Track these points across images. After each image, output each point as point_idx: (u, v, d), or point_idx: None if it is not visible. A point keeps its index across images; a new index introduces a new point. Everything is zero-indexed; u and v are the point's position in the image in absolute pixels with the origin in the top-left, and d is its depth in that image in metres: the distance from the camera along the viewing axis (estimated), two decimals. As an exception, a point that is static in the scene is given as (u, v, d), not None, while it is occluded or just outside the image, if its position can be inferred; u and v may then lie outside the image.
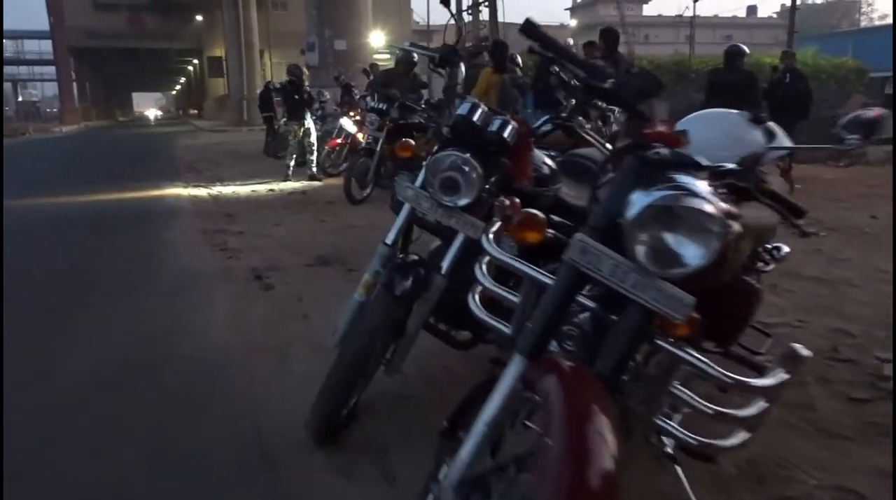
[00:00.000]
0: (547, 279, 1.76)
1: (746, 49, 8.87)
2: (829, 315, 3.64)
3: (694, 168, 1.50)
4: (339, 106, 12.82)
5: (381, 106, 7.95)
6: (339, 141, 10.85)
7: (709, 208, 1.40)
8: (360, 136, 10.74)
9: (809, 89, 8.82)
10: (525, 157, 2.50)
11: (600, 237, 1.53)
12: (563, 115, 2.52)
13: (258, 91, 16.94)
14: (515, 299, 1.88)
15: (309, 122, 10.65)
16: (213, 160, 14.62)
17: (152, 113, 77.85)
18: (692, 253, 1.46)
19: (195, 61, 49.50)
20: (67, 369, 3.28)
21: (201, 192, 9.80)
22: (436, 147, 2.54)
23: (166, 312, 4.13)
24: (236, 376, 3.19)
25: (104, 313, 4.13)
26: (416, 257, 2.51)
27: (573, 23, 44.82)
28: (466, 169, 2.35)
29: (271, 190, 9.79)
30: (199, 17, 40.05)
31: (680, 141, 1.60)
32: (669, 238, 1.46)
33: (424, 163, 2.53)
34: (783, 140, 2.11)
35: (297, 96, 10.47)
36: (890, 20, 41.36)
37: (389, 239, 2.57)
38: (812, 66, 16.77)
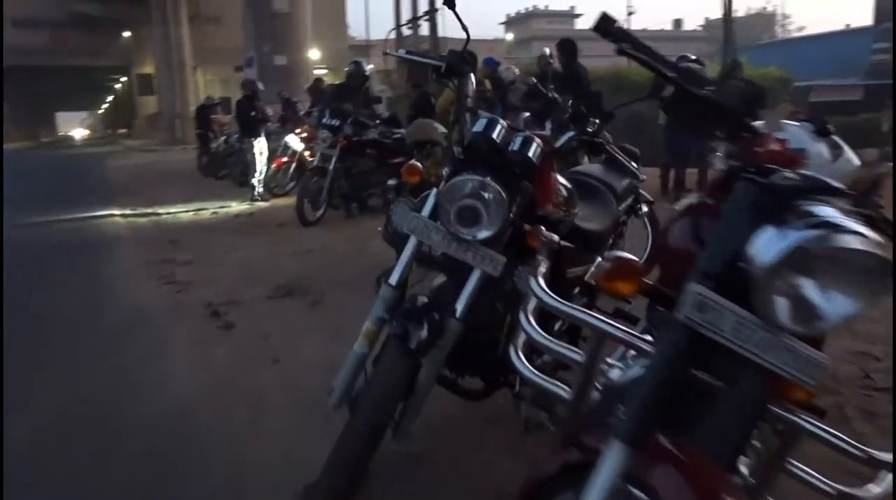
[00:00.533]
0: (621, 333, 1.43)
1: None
2: (845, 336, 3.43)
3: (830, 194, 1.19)
4: (280, 122, 12.31)
5: (333, 122, 7.56)
6: (284, 159, 10.36)
7: (875, 250, 1.09)
8: (307, 154, 10.32)
9: (764, 97, 8.83)
10: (549, 179, 2.17)
11: (714, 287, 1.20)
12: (590, 130, 2.22)
13: (192, 108, 16.17)
14: (577, 358, 1.54)
15: (263, 139, 10.10)
16: (148, 182, 13.85)
17: (78, 133, 74.70)
18: (841, 305, 1.14)
19: (123, 79, 47.69)
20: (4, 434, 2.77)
21: (139, 216, 9.16)
22: (446, 170, 2.19)
23: (115, 361, 3.63)
24: (208, 435, 2.74)
25: (41, 366, 3.59)
26: (425, 300, 2.14)
27: (509, 36, 45.24)
28: (488, 196, 2.00)
29: (215, 213, 9.22)
30: (126, 34, 38.59)
31: (797, 161, 1.29)
32: (814, 288, 1.14)
33: (436, 189, 2.18)
34: (850, 154, 1.83)
35: (252, 112, 9.92)
36: (807, 32, 43.15)
37: (393, 279, 2.19)
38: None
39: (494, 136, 2.07)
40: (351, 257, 5.87)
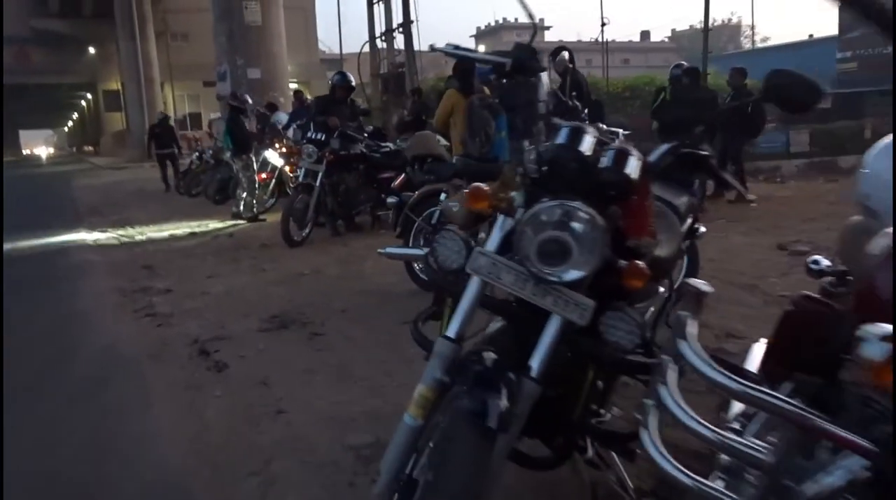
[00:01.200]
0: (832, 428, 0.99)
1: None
2: None
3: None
4: (257, 137, 11.78)
5: (319, 136, 7.07)
6: (264, 176, 9.83)
7: None
8: (287, 169, 9.81)
9: (762, 108, 8.55)
10: (645, 202, 1.72)
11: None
12: (687, 141, 1.78)
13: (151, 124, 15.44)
14: (764, 458, 1.10)
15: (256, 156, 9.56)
16: (118, 202, 13.17)
17: (43, 151, 72.83)
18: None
19: (89, 96, 46.51)
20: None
21: (110, 239, 8.54)
22: (515, 194, 1.73)
23: (88, 415, 3.09)
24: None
25: (6, 424, 3.04)
26: (493, 356, 1.68)
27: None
28: (580, 226, 1.55)
29: (192, 233, 8.65)
30: (91, 50, 37.61)
31: None
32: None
33: (503, 217, 1.73)
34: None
35: (240, 128, 9.40)
36: (771, 42, 43.65)
37: (452, 331, 1.71)
38: (714, 86, 17.02)
39: (583, 148, 1.62)
40: (346, 282, 5.37)
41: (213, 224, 9.33)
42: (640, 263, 1.61)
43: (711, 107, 8.25)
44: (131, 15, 28.18)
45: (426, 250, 4.24)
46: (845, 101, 24.57)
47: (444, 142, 4.97)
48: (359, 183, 7.42)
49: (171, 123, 16.21)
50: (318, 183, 7.03)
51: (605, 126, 4.10)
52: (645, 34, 55.03)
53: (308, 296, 4.95)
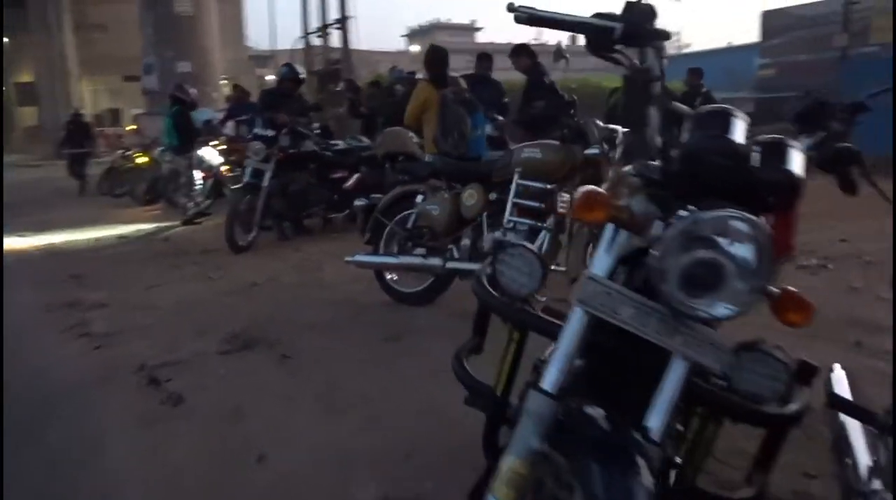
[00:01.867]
0: None
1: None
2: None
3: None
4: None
5: (267, 133, 6.48)
6: (202, 175, 9.12)
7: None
8: (225, 169, 9.14)
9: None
10: (794, 212, 1.33)
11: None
12: (838, 131, 1.41)
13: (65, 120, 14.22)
14: None
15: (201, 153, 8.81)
16: (36, 202, 12.06)
17: (-54, 148, 67.95)
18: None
19: (-3, 89, 43.54)
20: None
21: (28, 244, 7.69)
22: (632, 201, 1.31)
23: (14, 471, 2.51)
24: None
25: None
26: (602, 413, 1.27)
27: (415, 48, 44.50)
28: (743, 245, 1.15)
29: (122, 238, 7.88)
30: (5, 40, 35.12)
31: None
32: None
33: (612, 227, 1.30)
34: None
35: (186, 123, 8.63)
36: (694, 49, 44.88)
37: (548, 384, 1.28)
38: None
39: (735, 138, 1.22)
40: (307, 291, 4.85)
41: (144, 227, 8.57)
42: (798, 292, 1.23)
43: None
44: (45, 3, 26.36)
45: (408, 257, 3.77)
46: (768, 105, 25.33)
47: (416, 139, 4.53)
48: (309, 183, 6.87)
49: (87, 119, 15.07)
50: (265, 183, 6.45)
51: (601, 123, 3.76)
52: (574, 37, 55.75)
53: (268, 309, 4.41)
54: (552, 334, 1.45)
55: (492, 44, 48.28)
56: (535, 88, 6.37)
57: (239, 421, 2.79)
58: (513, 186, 3.68)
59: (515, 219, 3.68)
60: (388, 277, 4.36)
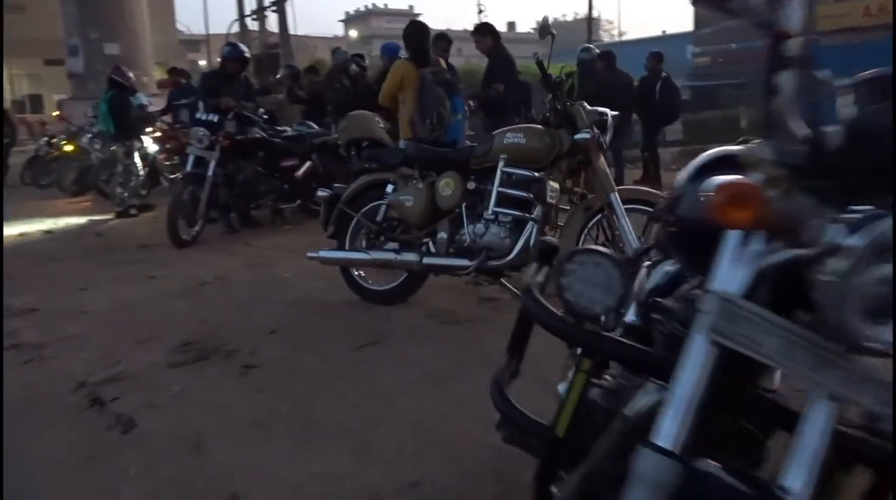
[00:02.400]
0: None
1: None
2: None
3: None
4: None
5: (211, 118, 5.97)
6: (134, 164, 8.47)
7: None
8: (161, 157, 8.54)
9: (678, 92, 8.35)
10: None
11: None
12: None
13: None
14: None
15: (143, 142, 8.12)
16: (-51, 194, 11.07)
17: None
18: None
19: None
20: None
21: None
22: (778, 194, 0.99)
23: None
24: None
25: None
26: (732, 473, 0.96)
27: (353, 33, 43.61)
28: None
29: (49, 232, 7.20)
30: None
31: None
32: None
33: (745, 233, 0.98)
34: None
35: (125, 108, 7.91)
36: (628, 37, 45.53)
37: (667, 439, 0.96)
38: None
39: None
40: (263, 291, 4.42)
41: (74, 221, 7.88)
42: None
43: (628, 92, 7.95)
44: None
45: (380, 252, 3.40)
46: (702, 93, 25.80)
47: (383, 124, 4.14)
48: (258, 172, 6.39)
49: (6, 106, 14.00)
50: (210, 172, 5.94)
51: (588, 106, 3.47)
52: (511, 25, 55.72)
53: (222, 312, 3.97)
54: (643, 365, 1.13)
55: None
56: (497, 71, 6.04)
57: (202, 452, 2.38)
58: (497, 174, 3.36)
59: (500, 210, 3.35)
60: (356, 273, 3.98)
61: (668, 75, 8.53)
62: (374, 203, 3.90)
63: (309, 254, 3.95)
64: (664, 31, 38.64)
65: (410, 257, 3.60)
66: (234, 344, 3.39)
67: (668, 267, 1.36)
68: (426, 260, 3.56)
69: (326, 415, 2.62)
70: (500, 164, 3.33)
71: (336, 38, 44.62)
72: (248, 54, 6.49)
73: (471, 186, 3.55)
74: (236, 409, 2.71)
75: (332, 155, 6.85)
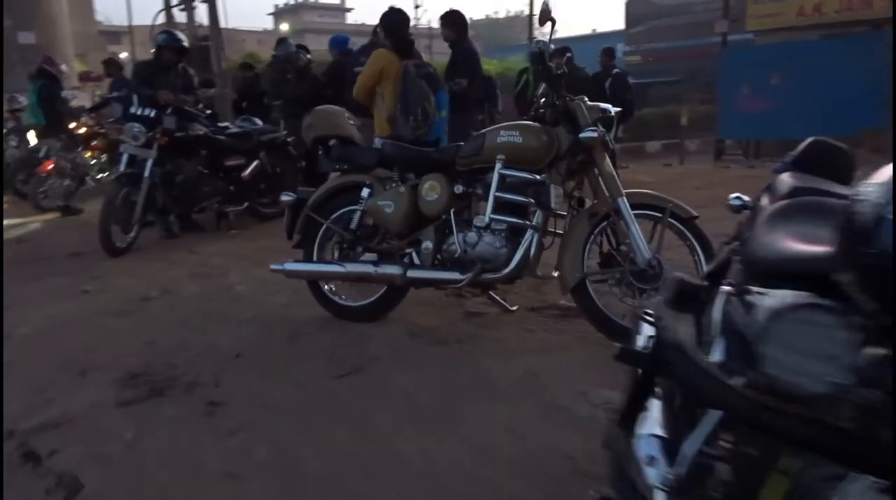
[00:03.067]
0: None
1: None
2: None
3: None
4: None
5: (147, 113, 5.38)
6: (53, 165, 7.72)
7: None
8: (87, 155, 7.83)
9: (630, 88, 8.17)
10: None
11: None
12: None
13: None
14: None
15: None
16: None
17: None
18: None
19: None
20: None
21: None
22: None
23: None
24: None
25: None
26: None
27: (284, 27, 42.14)
28: None
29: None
30: None
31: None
32: None
33: None
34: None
35: (56, 99, 7.13)
36: (560, 35, 45.96)
37: None
38: (502, 74, 16.97)
39: None
40: (219, 307, 3.92)
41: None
42: None
43: (588, 87, 7.73)
44: None
45: (357, 265, 2.99)
46: (636, 91, 26.13)
47: (354, 121, 3.70)
48: (200, 172, 5.82)
49: None
50: (147, 173, 5.35)
51: (588, 101, 3.15)
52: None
53: (173, 333, 3.47)
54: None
55: (364, 25, 46.91)
56: (460, 64, 5.67)
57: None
58: (494, 177, 2.99)
59: (497, 217, 2.99)
60: (326, 287, 3.55)
61: (621, 71, 8.36)
62: (346, 209, 3.47)
63: (273, 267, 3.49)
64: (594, 30, 39.17)
65: (392, 269, 3.19)
66: (193, 374, 2.91)
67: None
68: (411, 273, 3.16)
69: (312, 462, 2.20)
70: (498, 165, 2.97)
71: (265, 31, 43.17)
72: (186, 43, 5.90)
73: (458, 189, 3.18)
74: (204, 457, 2.26)
75: (281, 153, 6.36)
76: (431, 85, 4.16)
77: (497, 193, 2.97)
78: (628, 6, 29.66)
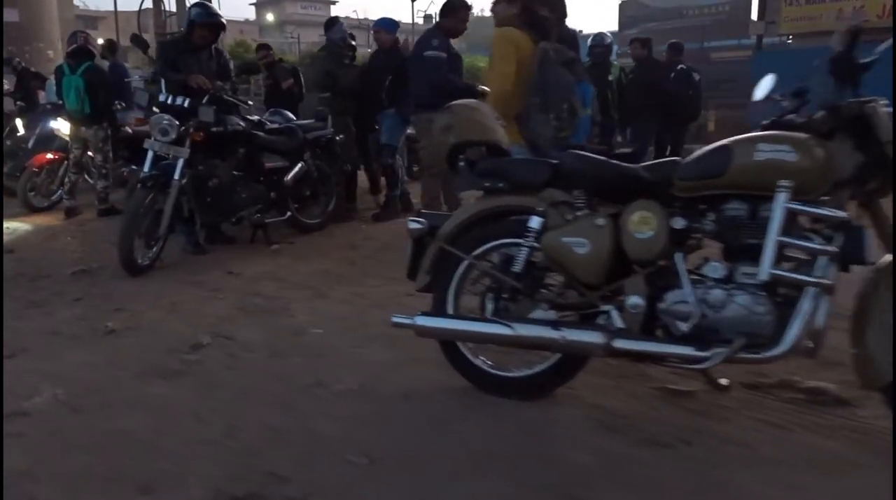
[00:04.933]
0: None
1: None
2: None
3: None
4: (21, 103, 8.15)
5: (180, 102, 4.29)
6: (50, 156, 6.53)
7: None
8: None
9: (697, 85, 7.24)
10: None
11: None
12: None
13: None
14: None
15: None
16: None
17: None
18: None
19: None
20: None
21: None
22: None
23: None
24: None
25: None
26: None
27: (270, 17, 40.48)
28: None
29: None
30: None
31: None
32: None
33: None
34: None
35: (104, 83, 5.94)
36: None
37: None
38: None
39: None
40: (296, 363, 2.86)
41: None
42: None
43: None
44: None
45: (530, 326, 1.98)
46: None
47: (501, 123, 2.66)
48: (235, 175, 4.72)
49: None
50: (177, 175, 4.25)
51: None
52: (428, 18, 53.79)
53: (252, 411, 2.41)
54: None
55: (347, 19, 45.50)
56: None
57: None
58: (776, 212, 1.98)
59: (779, 272, 2.00)
60: (466, 349, 2.52)
61: (687, 67, 7.39)
62: (497, 243, 2.46)
63: (396, 319, 2.46)
64: (580, 31, 38.44)
65: (590, 336, 2.18)
66: (316, 495, 1.88)
67: None
68: (620, 343, 2.15)
69: None
70: (783, 196, 1.97)
71: (247, 21, 41.38)
72: (223, 18, 4.77)
73: (677, 224, 2.19)
74: None
75: (328, 155, 5.29)
76: (575, 74, 3.16)
77: (782, 238, 1.97)
78: (622, 8, 28.92)
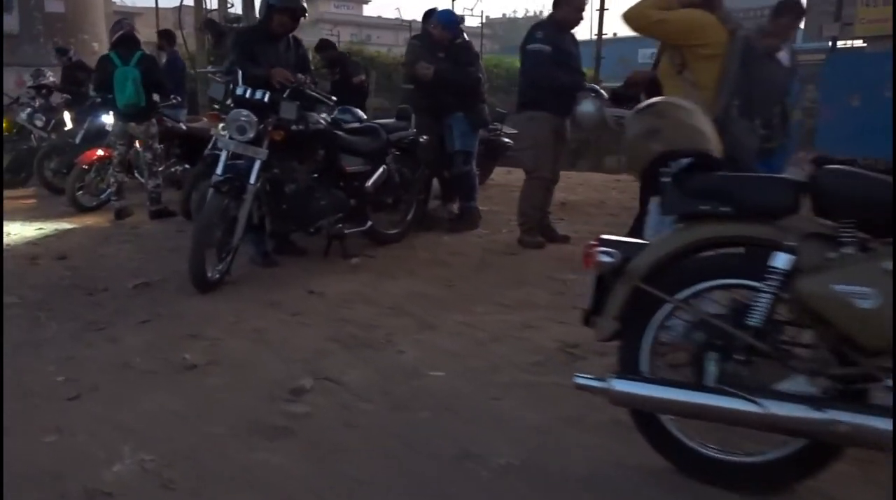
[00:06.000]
0: None
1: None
2: None
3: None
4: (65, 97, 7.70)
5: (260, 96, 3.74)
6: (101, 152, 6.03)
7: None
8: (138, 144, 6.14)
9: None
10: None
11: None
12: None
13: None
14: None
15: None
16: None
17: None
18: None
19: None
20: None
21: None
22: None
23: None
24: None
25: None
26: None
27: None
28: None
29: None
30: None
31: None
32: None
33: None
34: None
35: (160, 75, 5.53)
36: (581, 38, 44.38)
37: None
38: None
39: None
40: (421, 419, 2.29)
41: (15, 228, 5.37)
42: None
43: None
44: None
45: (778, 403, 1.38)
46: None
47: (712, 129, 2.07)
48: (314, 181, 4.16)
49: None
50: (253, 179, 3.69)
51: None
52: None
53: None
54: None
55: (380, 18, 44.85)
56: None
57: None
58: None
59: None
60: (666, 419, 1.92)
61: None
62: (716, 282, 1.86)
63: (580, 380, 1.87)
64: (615, 34, 37.55)
65: (876, 423, 1.58)
66: None
67: None
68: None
69: None
70: None
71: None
72: (304, 2, 4.21)
73: None
74: None
75: (410, 158, 4.71)
76: (788, 72, 2.57)
77: None
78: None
